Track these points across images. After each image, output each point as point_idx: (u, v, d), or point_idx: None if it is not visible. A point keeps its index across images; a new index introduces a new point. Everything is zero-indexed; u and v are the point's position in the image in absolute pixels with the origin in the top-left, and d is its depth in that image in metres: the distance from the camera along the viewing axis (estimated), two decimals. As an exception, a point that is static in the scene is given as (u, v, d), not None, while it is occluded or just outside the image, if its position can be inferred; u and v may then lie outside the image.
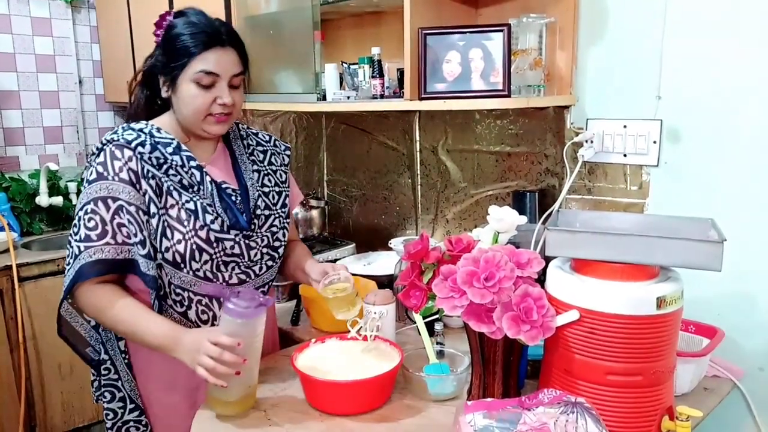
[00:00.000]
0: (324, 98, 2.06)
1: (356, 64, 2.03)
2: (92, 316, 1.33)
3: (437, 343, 1.42)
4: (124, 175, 1.25)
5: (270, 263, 1.43)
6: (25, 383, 2.55)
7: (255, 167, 1.45)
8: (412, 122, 2.23)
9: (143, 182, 1.26)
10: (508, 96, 1.64)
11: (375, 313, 1.41)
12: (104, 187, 1.24)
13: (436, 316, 1.41)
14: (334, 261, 2.14)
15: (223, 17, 2.23)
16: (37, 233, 3.02)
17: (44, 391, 2.67)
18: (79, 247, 1.24)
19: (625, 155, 1.67)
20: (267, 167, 1.47)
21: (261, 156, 1.48)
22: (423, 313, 1.28)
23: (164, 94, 1.33)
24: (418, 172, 2.25)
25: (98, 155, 1.28)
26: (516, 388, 1.20)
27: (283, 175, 1.51)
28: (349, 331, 1.36)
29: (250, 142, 1.48)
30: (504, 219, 1.26)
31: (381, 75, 1.91)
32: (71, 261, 1.25)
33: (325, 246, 2.32)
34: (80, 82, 3.24)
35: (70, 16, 3.17)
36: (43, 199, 2.97)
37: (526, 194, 1.82)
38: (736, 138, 1.49)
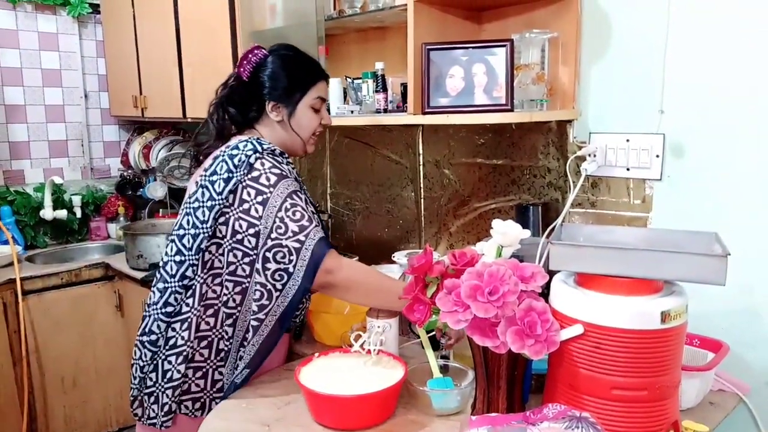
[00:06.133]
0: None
1: (360, 78, 2.04)
2: (353, 284, 1.38)
3: (441, 357, 1.42)
4: (292, 173, 1.43)
5: None
6: (28, 397, 2.55)
7: None
8: (415, 136, 2.24)
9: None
10: (511, 110, 1.65)
11: (378, 327, 1.40)
12: (290, 183, 1.37)
13: (440, 330, 1.41)
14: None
15: (228, 32, 2.26)
16: (42, 246, 3.04)
17: (47, 404, 2.67)
18: (298, 239, 1.31)
19: (628, 169, 1.67)
20: None
21: None
22: (427, 327, 1.27)
23: (275, 117, 1.48)
24: (422, 185, 2.26)
25: (260, 161, 1.37)
26: (520, 403, 1.20)
27: None
28: (352, 345, 1.36)
29: None
30: (507, 233, 1.26)
31: (384, 89, 1.92)
32: (294, 258, 1.31)
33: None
34: (86, 96, 3.27)
35: (76, 30, 3.20)
36: (48, 213, 2.98)
37: (530, 208, 1.82)
38: (739, 151, 1.49)
